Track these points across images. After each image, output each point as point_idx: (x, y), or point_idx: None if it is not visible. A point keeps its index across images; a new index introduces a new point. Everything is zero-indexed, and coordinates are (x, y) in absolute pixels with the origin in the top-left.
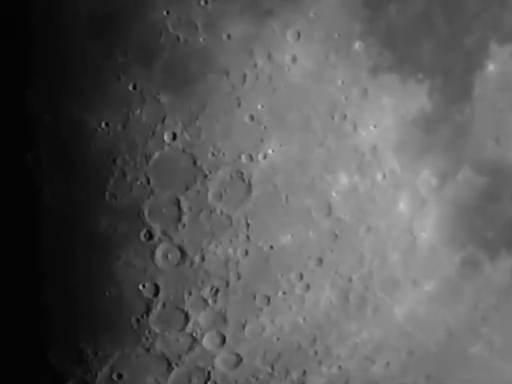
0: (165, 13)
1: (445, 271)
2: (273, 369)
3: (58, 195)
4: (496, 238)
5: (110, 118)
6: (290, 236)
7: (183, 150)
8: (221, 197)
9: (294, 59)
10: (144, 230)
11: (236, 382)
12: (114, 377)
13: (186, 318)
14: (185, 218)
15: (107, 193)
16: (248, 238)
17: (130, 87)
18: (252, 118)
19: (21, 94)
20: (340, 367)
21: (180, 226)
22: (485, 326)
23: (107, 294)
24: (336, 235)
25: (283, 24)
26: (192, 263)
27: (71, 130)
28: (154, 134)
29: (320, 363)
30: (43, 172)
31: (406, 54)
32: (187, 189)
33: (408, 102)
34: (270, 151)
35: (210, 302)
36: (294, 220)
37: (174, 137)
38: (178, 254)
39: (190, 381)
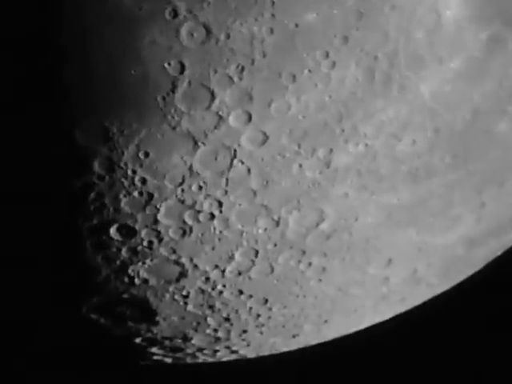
0: None
1: (471, 49)
2: (299, 147)
3: None
4: None
5: None
6: (315, 14)
7: None
8: None
9: None
10: (169, 8)
11: (262, 159)
12: (141, 155)
13: (212, 96)
14: None
15: None
16: (273, 15)
17: None
18: None
19: None
20: (366, 145)
21: (205, 4)
22: (511, 103)
23: (132, 72)
24: (361, 13)
25: None
26: (217, 41)
27: None
28: None
29: (346, 141)
30: None
31: None
32: None
33: None
34: None
35: (236, 79)
36: None
37: None
38: (203, 31)
39: (216, 158)
